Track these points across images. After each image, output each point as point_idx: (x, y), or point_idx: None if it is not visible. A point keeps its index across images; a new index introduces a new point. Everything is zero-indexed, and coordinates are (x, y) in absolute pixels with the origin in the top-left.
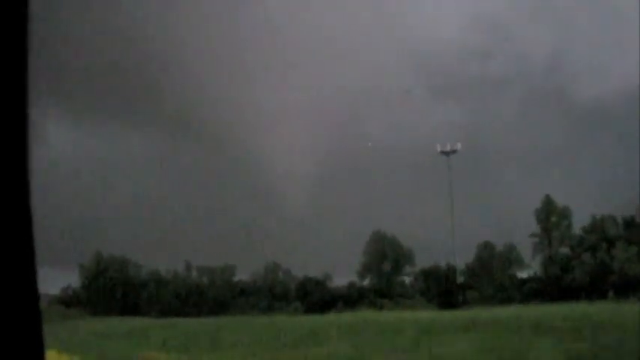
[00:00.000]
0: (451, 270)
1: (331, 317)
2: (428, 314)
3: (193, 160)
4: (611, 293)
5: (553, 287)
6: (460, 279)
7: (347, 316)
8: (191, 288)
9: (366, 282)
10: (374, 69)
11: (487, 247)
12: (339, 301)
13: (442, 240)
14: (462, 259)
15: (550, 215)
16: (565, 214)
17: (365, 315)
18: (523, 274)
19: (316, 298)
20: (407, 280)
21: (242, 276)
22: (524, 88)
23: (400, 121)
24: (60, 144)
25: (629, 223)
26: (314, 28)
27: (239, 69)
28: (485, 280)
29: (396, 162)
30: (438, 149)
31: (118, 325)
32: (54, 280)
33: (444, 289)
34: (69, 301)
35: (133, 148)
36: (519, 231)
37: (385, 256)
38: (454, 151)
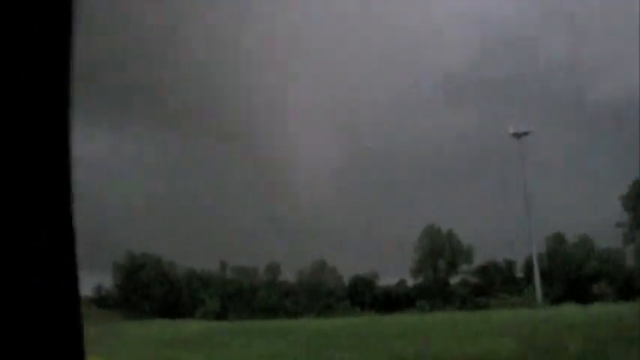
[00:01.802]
0: (512, 265)
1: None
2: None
3: (226, 158)
4: None
5: None
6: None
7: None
8: (239, 288)
9: (419, 280)
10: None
11: (557, 239)
12: (403, 299)
13: (498, 233)
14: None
15: None
16: None
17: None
18: None
19: (377, 296)
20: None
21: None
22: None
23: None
24: (83, 141)
25: None
26: (332, 28)
27: (266, 71)
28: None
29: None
30: (510, 131)
31: (170, 330)
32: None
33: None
34: (103, 302)
35: (156, 147)
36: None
37: (441, 252)
38: (526, 133)
